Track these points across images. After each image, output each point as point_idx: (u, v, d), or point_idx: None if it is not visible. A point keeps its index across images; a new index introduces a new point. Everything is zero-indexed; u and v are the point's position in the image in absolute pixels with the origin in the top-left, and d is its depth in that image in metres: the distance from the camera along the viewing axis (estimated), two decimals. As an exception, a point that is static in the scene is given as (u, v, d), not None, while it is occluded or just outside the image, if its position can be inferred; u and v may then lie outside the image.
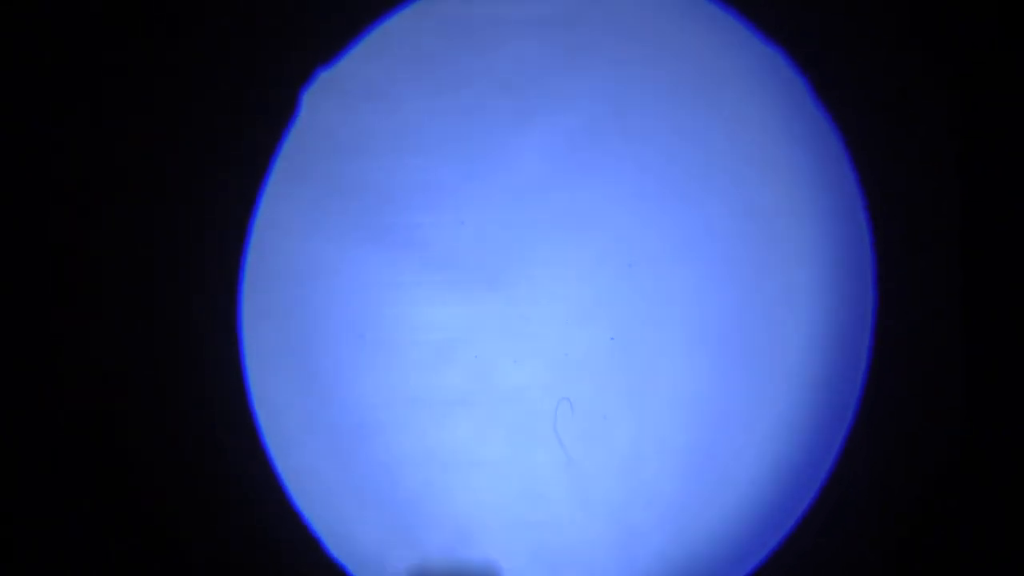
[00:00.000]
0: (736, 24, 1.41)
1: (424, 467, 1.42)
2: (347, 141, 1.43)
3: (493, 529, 1.42)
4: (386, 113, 1.43)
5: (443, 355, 1.42)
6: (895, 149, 1.42)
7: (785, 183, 1.44)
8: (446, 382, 1.42)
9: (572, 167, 1.42)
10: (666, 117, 1.43)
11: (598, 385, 1.42)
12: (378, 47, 1.42)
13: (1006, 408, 1.42)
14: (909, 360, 1.42)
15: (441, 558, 0.84)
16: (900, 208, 1.42)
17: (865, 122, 1.41)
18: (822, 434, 1.44)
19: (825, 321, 1.45)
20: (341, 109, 1.42)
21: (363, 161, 1.42)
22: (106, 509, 1.37)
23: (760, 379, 1.44)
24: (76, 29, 1.37)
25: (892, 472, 1.42)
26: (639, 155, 1.43)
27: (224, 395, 1.38)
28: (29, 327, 1.37)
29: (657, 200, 1.43)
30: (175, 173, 1.38)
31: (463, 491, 1.42)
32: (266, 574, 1.37)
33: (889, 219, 1.42)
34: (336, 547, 1.39)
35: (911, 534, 1.42)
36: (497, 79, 1.43)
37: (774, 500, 1.45)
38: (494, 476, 1.42)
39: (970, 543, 1.42)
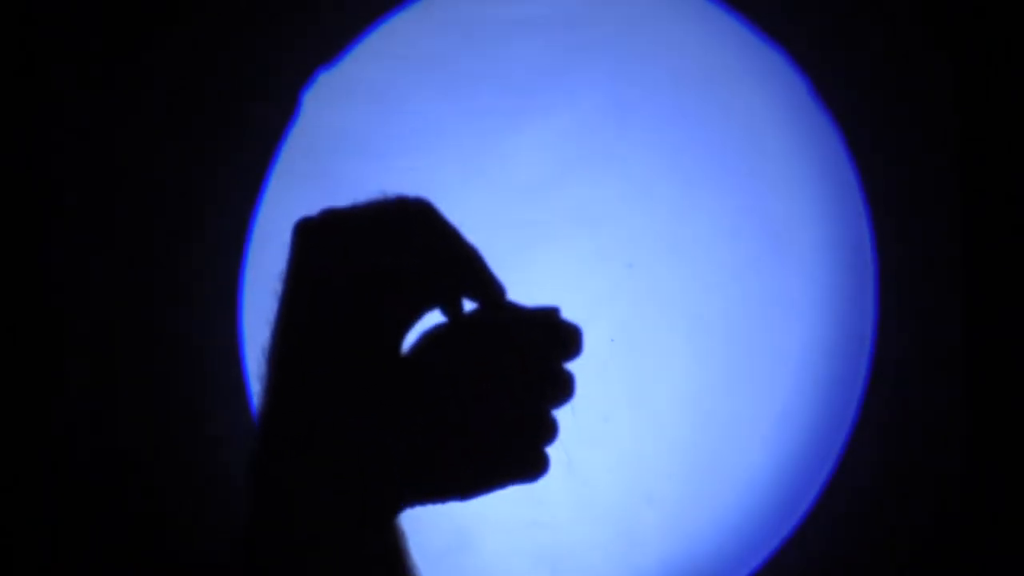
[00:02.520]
0: (737, 24, 1.40)
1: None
2: (347, 142, 1.43)
3: (493, 530, 1.42)
4: (387, 114, 1.42)
5: (443, 357, 1.42)
6: (897, 150, 1.41)
7: (786, 183, 1.44)
8: (446, 384, 1.42)
9: (571, 168, 1.42)
10: (666, 117, 1.43)
11: (599, 387, 1.42)
12: (379, 47, 1.42)
13: (1009, 407, 1.41)
14: (912, 360, 1.42)
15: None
16: (902, 208, 1.41)
17: (866, 123, 1.41)
18: (824, 435, 1.44)
19: (827, 321, 1.44)
20: (342, 110, 1.42)
21: (363, 162, 1.42)
22: (105, 510, 1.37)
23: (762, 380, 1.44)
24: (72, 29, 1.37)
25: (895, 474, 1.42)
26: (639, 156, 1.42)
27: (225, 398, 1.38)
28: (25, 328, 1.37)
29: (656, 201, 1.42)
30: (173, 175, 1.38)
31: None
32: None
33: (891, 219, 1.41)
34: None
35: (914, 535, 1.42)
36: (498, 79, 1.43)
37: (776, 502, 1.44)
38: (495, 477, 1.42)
39: (974, 543, 1.41)
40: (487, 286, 0.85)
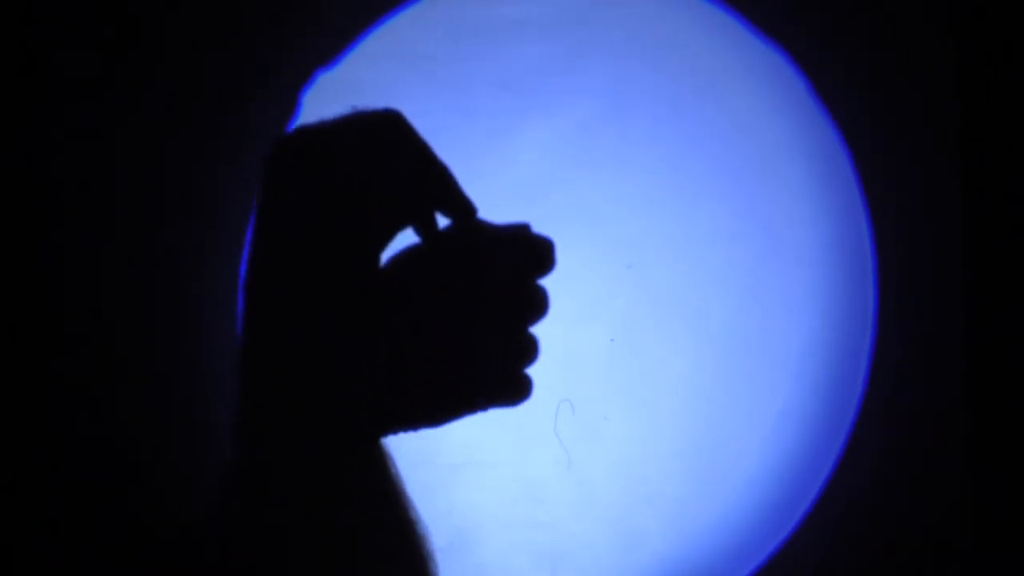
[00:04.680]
0: (737, 24, 1.40)
1: (424, 468, 1.42)
2: (347, 142, 1.42)
3: (493, 530, 1.42)
4: (386, 114, 1.42)
5: (443, 356, 1.42)
6: (897, 150, 1.41)
7: (786, 183, 1.43)
8: (446, 383, 1.42)
9: (571, 168, 1.42)
10: (666, 118, 1.43)
11: (599, 387, 1.42)
12: (379, 48, 1.42)
13: (1009, 407, 1.41)
14: (912, 360, 1.42)
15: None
16: (902, 208, 1.41)
17: (866, 123, 1.41)
18: (824, 435, 1.44)
19: (827, 322, 1.44)
20: (341, 110, 1.42)
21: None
22: (104, 509, 1.37)
23: (762, 380, 1.44)
24: (72, 29, 1.37)
25: (894, 474, 1.42)
26: (638, 156, 1.42)
27: (225, 398, 1.38)
28: (25, 327, 1.37)
29: (656, 201, 1.43)
30: (173, 175, 1.38)
31: (463, 492, 1.42)
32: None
33: (891, 219, 1.41)
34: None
35: (914, 536, 1.42)
36: (497, 79, 1.43)
37: (776, 502, 1.44)
38: (494, 477, 1.42)
39: (974, 543, 1.41)
40: (459, 202, 0.83)
